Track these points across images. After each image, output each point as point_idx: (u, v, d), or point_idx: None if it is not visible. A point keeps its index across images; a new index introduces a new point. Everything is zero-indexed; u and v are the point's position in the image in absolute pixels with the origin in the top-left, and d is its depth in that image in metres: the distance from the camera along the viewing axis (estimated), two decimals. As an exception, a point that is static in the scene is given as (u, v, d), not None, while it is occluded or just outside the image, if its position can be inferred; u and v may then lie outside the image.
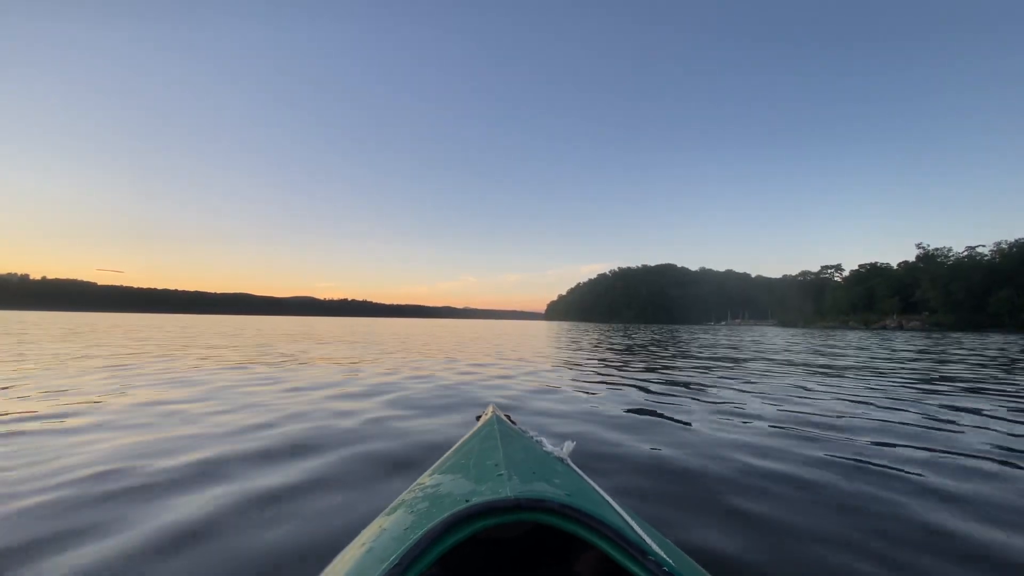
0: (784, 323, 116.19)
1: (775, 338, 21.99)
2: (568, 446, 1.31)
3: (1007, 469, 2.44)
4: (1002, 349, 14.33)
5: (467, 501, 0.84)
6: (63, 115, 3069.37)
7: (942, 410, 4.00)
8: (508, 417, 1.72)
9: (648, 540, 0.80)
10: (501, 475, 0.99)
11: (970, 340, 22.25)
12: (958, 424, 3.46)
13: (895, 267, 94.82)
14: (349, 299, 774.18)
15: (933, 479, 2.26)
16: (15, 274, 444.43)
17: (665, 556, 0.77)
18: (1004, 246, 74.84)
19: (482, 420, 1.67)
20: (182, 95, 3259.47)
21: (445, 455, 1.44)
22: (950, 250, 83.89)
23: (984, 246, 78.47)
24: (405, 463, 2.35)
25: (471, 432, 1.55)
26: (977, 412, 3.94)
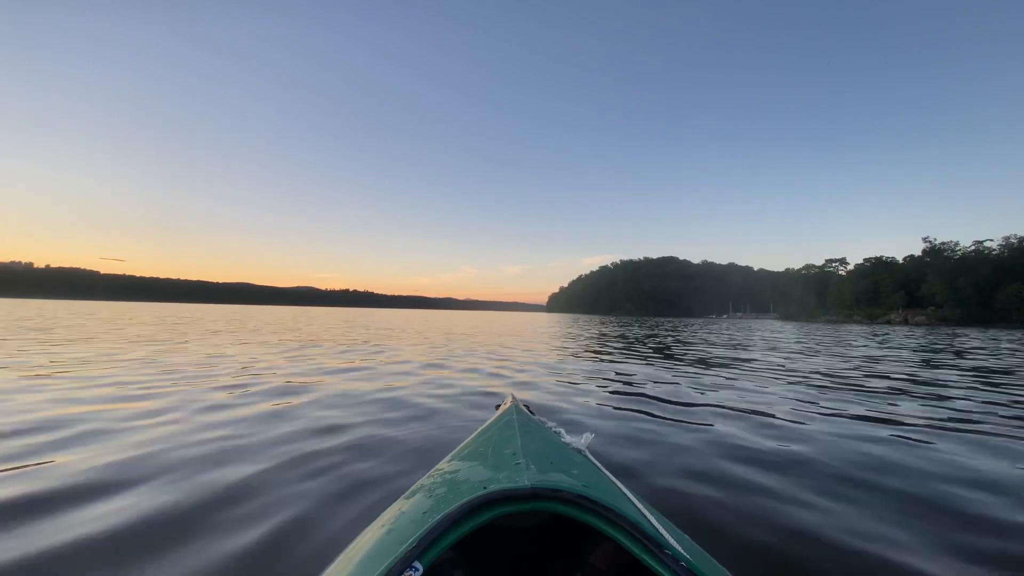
0: (786, 316, 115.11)
1: (780, 332, 21.34)
2: (587, 437, 1.30)
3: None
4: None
5: (484, 488, 0.85)
6: (66, 107, 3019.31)
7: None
8: (527, 407, 1.73)
9: (665, 534, 0.80)
10: (519, 464, 0.99)
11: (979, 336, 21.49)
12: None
13: (901, 261, 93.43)
14: (351, 289, 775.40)
15: None
16: (19, 262, 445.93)
17: (682, 551, 0.76)
18: (1013, 240, 73.34)
19: (501, 409, 1.68)
20: (186, 89, 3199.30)
21: (464, 442, 1.44)
22: (957, 244, 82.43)
23: (992, 240, 76.95)
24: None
25: (490, 420, 1.56)
26: None
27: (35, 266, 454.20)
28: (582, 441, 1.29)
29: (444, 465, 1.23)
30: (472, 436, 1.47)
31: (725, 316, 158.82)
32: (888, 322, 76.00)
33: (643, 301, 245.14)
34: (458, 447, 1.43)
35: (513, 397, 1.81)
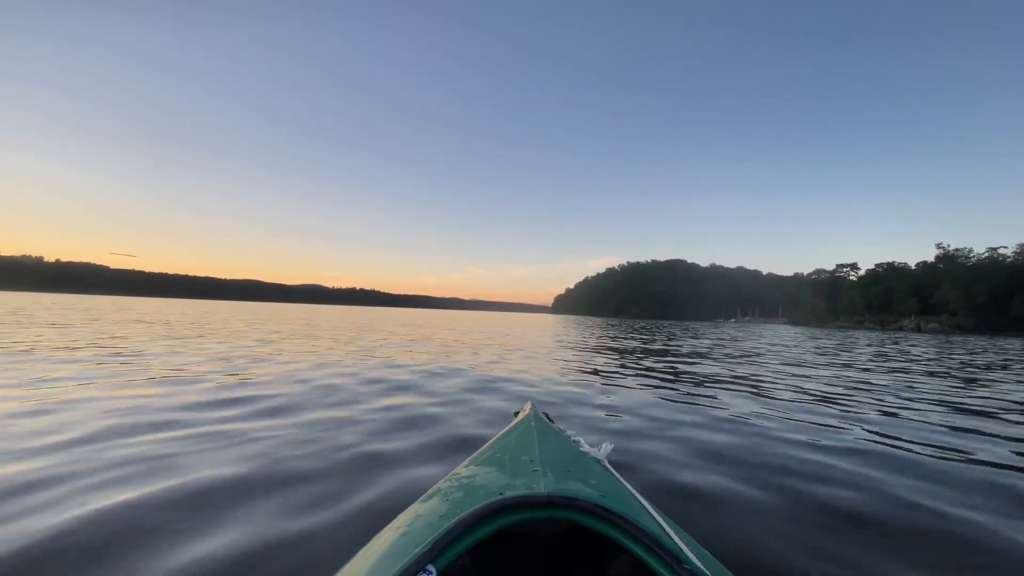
0: (796, 322, 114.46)
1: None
2: (606, 447, 1.28)
3: None
4: None
5: (500, 494, 0.84)
6: (79, 104, 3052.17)
7: None
8: (546, 415, 1.72)
9: (684, 548, 0.78)
10: (536, 471, 0.98)
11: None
12: None
13: (913, 267, 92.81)
14: (357, 288, 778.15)
15: None
16: (30, 256, 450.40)
17: (702, 566, 0.75)
18: (1029, 248, 72.62)
19: (520, 416, 1.66)
20: (196, 87, 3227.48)
21: (481, 448, 1.43)
22: (971, 251, 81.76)
23: (1006, 247, 76.28)
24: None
25: (508, 427, 1.54)
26: None
27: (45, 260, 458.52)
28: (601, 451, 1.27)
29: (461, 470, 1.22)
30: (490, 442, 1.44)
31: (733, 320, 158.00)
32: (900, 329, 75.49)
33: (649, 304, 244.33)
34: (476, 452, 1.41)
35: (532, 404, 1.79)
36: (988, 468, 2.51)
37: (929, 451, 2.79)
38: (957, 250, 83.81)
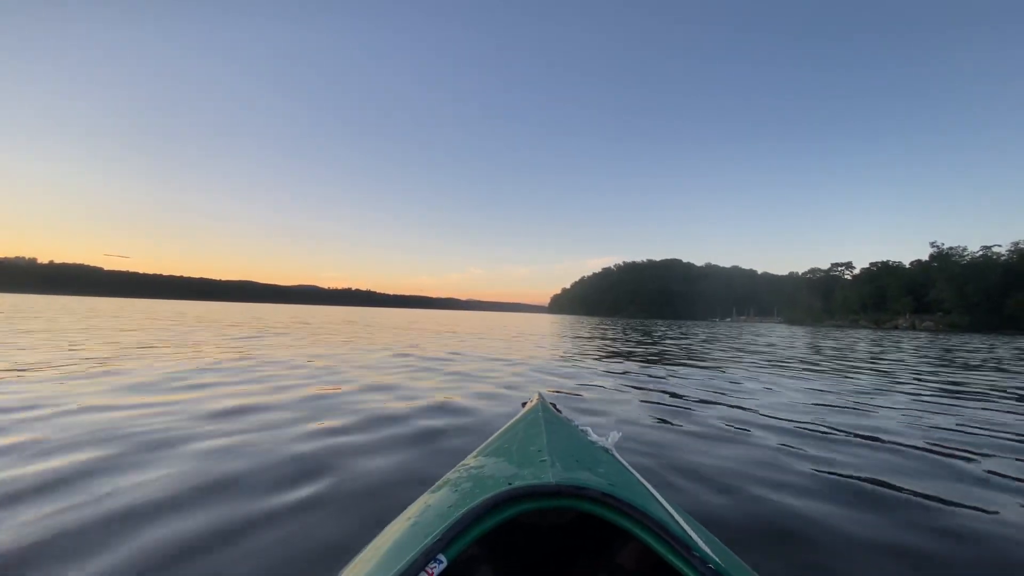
0: (791, 321, 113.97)
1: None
2: (614, 436, 1.28)
3: None
4: None
5: (509, 484, 0.84)
6: (73, 104, 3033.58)
7: None
8: (554, 406, 1.72)
9: (693, 535, 0.78)
10: (544, 461, 0.99)
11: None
12: None
13: (908, 266, 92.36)
14: (353, 288, 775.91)
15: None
16: (23, 257, 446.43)
17: (711, 553, 0.74)
18: (1022, 246, 72.09)
19: (528, 406, 1.67)
20: (192, 87, 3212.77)
21: (490, 439, 1.44)
22: (965, 249, 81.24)
23: (1000, 246, 75.86)
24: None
25: (516, 418, 1.55)
26: None
27: (39, 262, 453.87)
28: (609, 440, 1.26)
29: (470, 460, 1.23)
30: (498, 433, 1.45)
31: (728, 319, 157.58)
32: (895, 327, 74.98)
33: (645, 304, 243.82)
34: (484, 443, 1.42)
35: (540, 395, 1.76)
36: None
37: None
38: (951, 249, 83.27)
